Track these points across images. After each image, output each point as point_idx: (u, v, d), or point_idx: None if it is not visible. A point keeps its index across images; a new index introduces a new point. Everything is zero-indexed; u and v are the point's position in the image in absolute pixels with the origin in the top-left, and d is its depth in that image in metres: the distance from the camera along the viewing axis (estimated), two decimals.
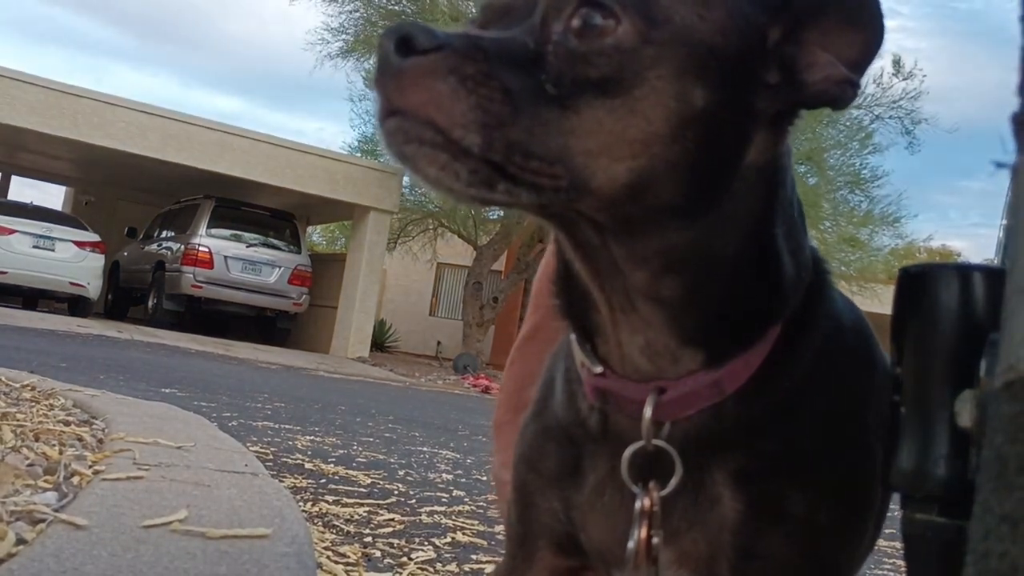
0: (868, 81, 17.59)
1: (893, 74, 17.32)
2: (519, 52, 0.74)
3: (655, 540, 0.84)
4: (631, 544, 0.84)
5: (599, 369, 0.86)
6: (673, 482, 0.83)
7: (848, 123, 17.68)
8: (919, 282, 0.67)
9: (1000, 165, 0.58)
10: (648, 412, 0.83)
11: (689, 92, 0.74)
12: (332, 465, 3.96)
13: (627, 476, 0.85)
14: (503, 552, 1.07)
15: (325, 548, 2.41)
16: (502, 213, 17.81)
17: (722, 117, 0.76)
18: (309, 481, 3.48)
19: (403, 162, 0.74)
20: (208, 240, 15.17)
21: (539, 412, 0.99)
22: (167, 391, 5.99)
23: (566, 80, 0.73)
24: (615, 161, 0.73)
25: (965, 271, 0.65)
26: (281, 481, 3.14)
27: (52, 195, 27.75)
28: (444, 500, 3.56)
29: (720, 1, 0.77)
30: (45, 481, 2.16)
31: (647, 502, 0.84)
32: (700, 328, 0.82)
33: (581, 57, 0.73)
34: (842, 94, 0.80)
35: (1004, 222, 0.63)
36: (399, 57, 0.71)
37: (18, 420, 2.94)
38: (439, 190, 0.74)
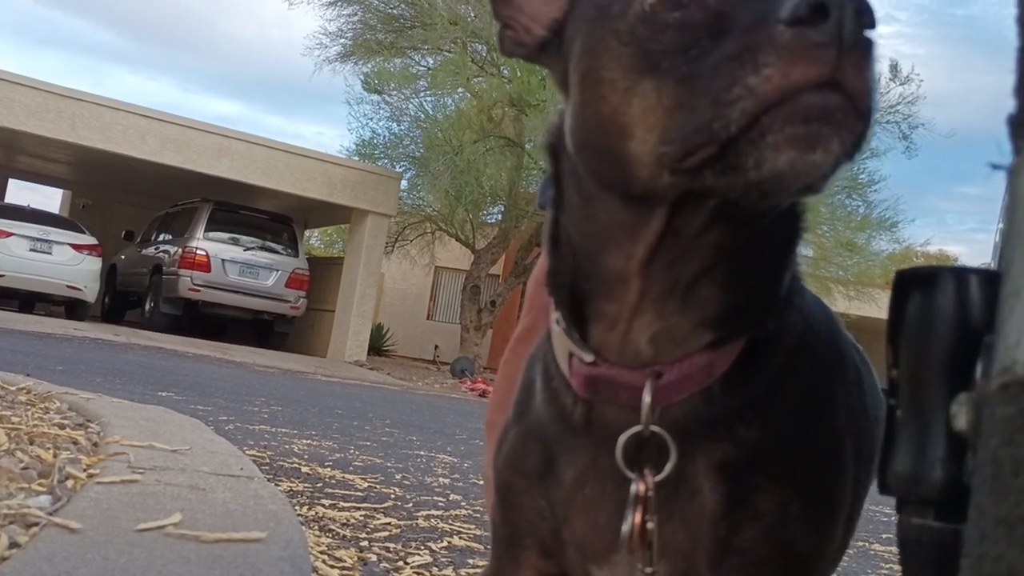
0: None
1: (890, 79, 17.36)
2: None
3: (649, 525, 0.84)
4: (625, 527, 0.84)
5: (590, 358, 0.86)
6: (669, 466, 0.83)
7: None
8: (915, 285, 0.67)
9: (996, 167, 0.58)
10: (648, 396, 0.82)
11: None
12: (329, 469, 3.96)
13: (622, 462, 0.85)
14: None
15: (321, 552, 2.40)
16: (500, 217, 17.81)
17: None
18: (305, 485, 3.47)
19: (802, 140, 0.67)
20: (205, 243, 15.16)
21: (520, 414, 0.98)
22: (164, 394, 5.99)
23: None
24: None
25: (961, 274, 0.65)
26: (277, 485, 3.13)
27: (49, 198, 27.70)
28: (441, 504, 3.56)
29: None
30: (39, 484, 2.15)
31: (642, 487, 0.84)
32: (725, 311, 0.81)
33: None
34: None
35: (1000, 226, 0.63)
36: (858, 28, 0.66)
37: (13, 423, 2.93)
38: (803, 174, 0.70)
